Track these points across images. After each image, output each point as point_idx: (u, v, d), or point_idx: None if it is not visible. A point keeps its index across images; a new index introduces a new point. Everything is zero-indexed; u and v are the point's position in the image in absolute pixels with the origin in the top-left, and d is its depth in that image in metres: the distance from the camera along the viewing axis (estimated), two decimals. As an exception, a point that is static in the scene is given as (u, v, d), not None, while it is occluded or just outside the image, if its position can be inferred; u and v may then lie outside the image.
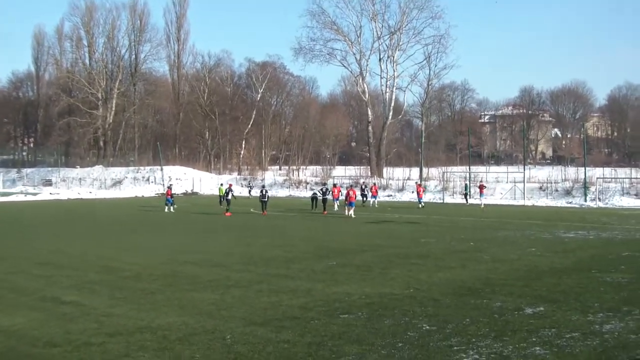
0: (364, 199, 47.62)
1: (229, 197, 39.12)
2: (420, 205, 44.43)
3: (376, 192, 48.93)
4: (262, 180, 74.63)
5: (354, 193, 38.40)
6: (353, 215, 36.38)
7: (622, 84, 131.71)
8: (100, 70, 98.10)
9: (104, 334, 9.54)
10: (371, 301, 11.80)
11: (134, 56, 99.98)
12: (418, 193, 46.35)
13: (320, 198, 40.86)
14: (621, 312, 10.78)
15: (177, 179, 78.81)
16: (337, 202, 42.12)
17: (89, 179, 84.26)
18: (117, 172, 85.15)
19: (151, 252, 19.65)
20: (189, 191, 74.33)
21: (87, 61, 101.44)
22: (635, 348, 8.61)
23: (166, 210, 41.49)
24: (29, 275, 15.30)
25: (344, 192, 40.55)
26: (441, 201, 54.14)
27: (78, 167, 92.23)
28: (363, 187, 49.47)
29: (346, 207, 37.43)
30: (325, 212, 39.14)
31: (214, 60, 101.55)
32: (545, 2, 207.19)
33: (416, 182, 53.48)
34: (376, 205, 46.12)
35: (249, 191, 61.96)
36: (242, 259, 17.88)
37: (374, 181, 58.23)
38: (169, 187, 44.80)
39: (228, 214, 37.60)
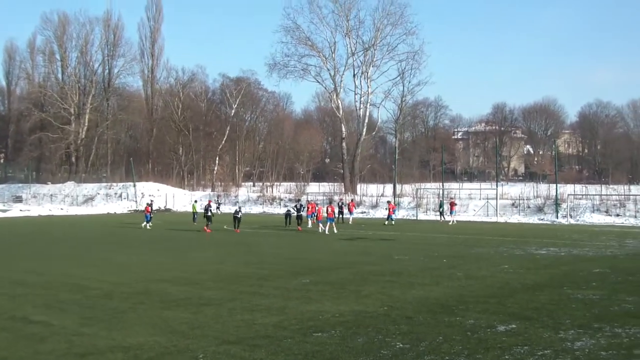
0: (341, 215, 47.62)
1: (209, 213, 38.90)
2: (386, 222, 44.63)
3: (353, 208, 49.17)
4: (236, 197, 74.42)
5: (332, 209, 38.65)
6: (335, 231, 36.66)
7: (592, 102, 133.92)
8: (72, 85, 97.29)
9: (74, 354, 9.40)
10: (345, 319, 11.78)
11: (107, 71, 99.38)
12: (388, 210, 46.70)
13: (295, 215, 40.87)
14: (592, 328, 10.87)
15: (150, 195, 78.17)
16: (311, 218, 41.92)
17: (61, 195, 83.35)
18: (89, 188, 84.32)
19: (123, 270, 19.45)
20: (163, 207, 73.82)
21: (59, 75, 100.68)
22: (607, 365, 8.68)
23: (142, 225, 41.26)
24: (-2, 294, 15.05)
25: (321, 208, 40.48)
26: (414, 218, 54.34)
27: (49, 183, 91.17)
28: (340, 204, 49.54)
29: (325, 224, 37.26)
30: (300, 229, 39.08)
31: (187, 75, 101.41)
32: (517, 20, 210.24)
33: (388, 201, 53.58)
34: (350, 222, 46.11)
35: (217, 208, 61.68)
36: (215, 277, 17.77)
37: (350, 198, 58.24)
38: (148, 204, 44.39)
39: (208, 230, 37.42)
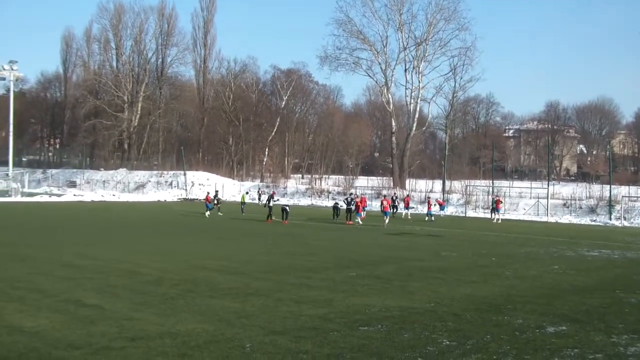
0: (394, 210, 47.66)
1: (270, 204, 39.16)
2: (426, 218, 44.43)
3: (408, 203, 49.01)
4: (285, 188, 74.71)
5: (388, 203, 39.85)
6: (386, 225, 37.06)
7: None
8: (126, 73, 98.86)
9: (124, 338, 9.58)
10: (391, 314, 11.75)
11: (160, 60, 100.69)
12: (428, 205, 46.54)
13: (344, 208, 40.85)
14: (645, 334, 10.64)
15: (200, 184, 79.09)
16: (363, 213, 41.59)
17: (113, 182, 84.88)
18: (140, 175, 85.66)
19: (172, 257, 19.72)
20: (212, 196, 74.41)
21: (114, 64, 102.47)
22: (659, 372, 8.49)
23: (207, 214, 42.21)
24: (52, 277, 15.39)
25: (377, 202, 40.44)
26: (463, 215, 53.85)
27: (102, 169, 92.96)
28: (394, 197, 49.39)
29: (385, 217, 38.40)
30: (350, 222, 39.08)
31: (239, 66, 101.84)
32: (572, 18, 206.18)
33: (428, 197, 53.28)
34: (409, 217, 46.21)
35: (258, 197, 62.61)
36: (262, 267, 17.90)
37: (406, 192, 57.90)
38: (208, 193, 45.82)
39: (269, 220, 37.88)
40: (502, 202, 48.74)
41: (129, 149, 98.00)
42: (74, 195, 68.74)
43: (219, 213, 43.99)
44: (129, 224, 35.24)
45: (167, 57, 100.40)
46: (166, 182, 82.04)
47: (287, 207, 38.73)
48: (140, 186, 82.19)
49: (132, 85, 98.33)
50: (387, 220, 38.08)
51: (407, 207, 48.42)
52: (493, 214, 47.18)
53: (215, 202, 44.84)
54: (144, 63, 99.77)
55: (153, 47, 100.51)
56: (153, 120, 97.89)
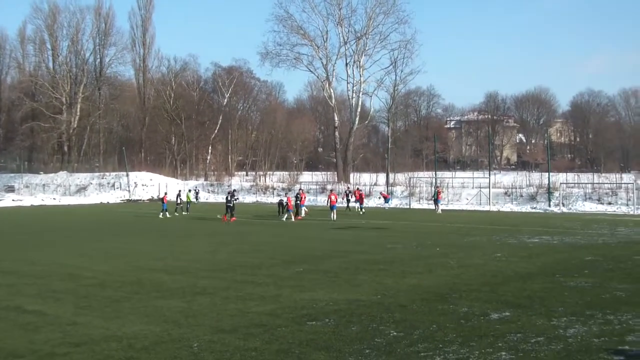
0: (348, 204, 47.96)
1: (231, 204, 38.80)
2: (359, 211, 44.83)
3: (359, 197, 49.06)
4: (229, 186, 74.32)
5: (335, 197, 40.36)
6: (334, 219, 37.71)
7: (584, 90, 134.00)
8: (64, 74, 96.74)
9: (68, 344, 9.40)
10: (339, 307, 11.81)
11: (98, 60, 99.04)
12: (361, 198, 47.26)
13: (293, 203, 41.16)
14: (584, 316, 10.94)
15: (143, 184, 78.12)
16: (304, 207, 42.21)
17: (53, 185, 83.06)
18: (81, 178, 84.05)
19: (116, 259, 19.43)
20: (155, 197, 73.73)
21: (50, 65, 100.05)
22: (598, 352, 8.73)
23: (160, 215, 41.86)
24: (-9, 284, 15.02)
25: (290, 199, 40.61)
26: (408, 206, 54.41)
27: (42, 173, 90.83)
28: (347, 192, 49.70)
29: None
30: (300, 217, 39.45)
31: (180, 64, 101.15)
32: (509, 8, 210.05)
33: (357, 187, 53.77)
34: (361, 212, 45.92)
35: (196, 196, 62.24)
36: (209, 266, 17.79)
37: (357, 186, 58.19)
38: (166, 194, 45.61)
39: (226, 219, 37.68)
40: (442, 192, 49.41)
41: (69, 151, 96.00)
42: (13, 200, 67.12)
43: (184, 212, 43.70)
44: (71, 227, 34.60)
45: (105, 57, 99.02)
46: (108, 183, 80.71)
47: (232, 204, 38.62)
48: (82, 189, 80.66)
49: (70, 86, 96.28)
50: (334, 215, 38.48)
51: (358, 200, 48.44)
52: (436, 205, 47.77)
53: (178, 201, 44.70)
54: (82, 63, 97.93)
55: (90, 47, 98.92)
56: (93, 122, 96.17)
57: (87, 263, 18.65)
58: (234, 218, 37.84)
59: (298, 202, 40.82)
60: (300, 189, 48.60)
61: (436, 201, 47.97)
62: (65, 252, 21.73)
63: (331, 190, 46.42)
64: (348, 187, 53.65)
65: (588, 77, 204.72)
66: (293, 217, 38.42)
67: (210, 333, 9.97)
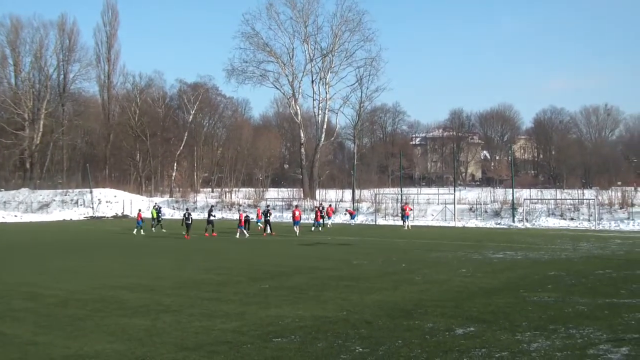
0: (323, 220, 48.24)
1: (189, 221, 38.46)
2: (313, 229, 45.10)
3: (331, 213, 50.31)
4: (195, 202, 73.85)
5: (299, 212, 41.52)
6: (297, 234, 38.89)
7: (547, 108, 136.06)
8: (26, 90, 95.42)
9: (28, 363, 9.24)
10: (304, 324, 11.78)
11: (62, 76, 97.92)
12: (328, 214, 48.77)
13: (255, 220, 41.36)
14: (548, 330, 11.05)
15: (107, 201, 77.22)
16: (260, 223, 42.50)
17: (14, 202, 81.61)
18: (44, 194, 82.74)
19: (79, 277, 19.17)
20: (120, 214, 72.97)
21: (12, 80, 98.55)
22: (562, 366, 8.82)
23: (134, 232, 41.35)
24: (-51, 303, 14.69)
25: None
26: (374, 223, 54.55)
27: (2, 189, 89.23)
28: (321, 209, 49.81)
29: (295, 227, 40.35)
30: (274, 233, 39.90)
31: (145, 80, 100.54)
32: (473, 28, 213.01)
33: (315, 208, 54.15)
34: (329, 226, 47.43)
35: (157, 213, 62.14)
36: (173, 283, 17.62)
37: (329, 203, 58.38)
38: (140, 210, 44.54)
39: (214, 234, 37.82)
40: (411, 208, 49.64)
41: (32, 168, 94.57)
42: (-27, 217, 65.82)
43: (162, 230, 42.98)
44: (33, 245, 34.05)
45: (69, 73, 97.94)
46: (72, 200, 79.56)
47: (190, 220, 38.40)
48: (44, 206, 79.40)
49: (33, 102, 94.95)
50: (297, 230, 39.40)
51: (329, 217, 49.28)
52: (403, 221, 47.89)
53: (157, 219, 44.64)
54: (45, 79, 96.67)
55: (54, 63, 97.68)
56: (56, 138, 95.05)
57: (48, 281, 18.36)
58: (214, 234, 37.91)
59: (268, 218, 40.90)
60: (267, 206, 48.35)
61: (403, 217, 48.19)
62: (26, 270, 21.36)
63: (296, 206, 46.60)
64: (321, 204, 53.55)
65: (550, 94, 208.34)
66: (241, 233, 38.43)
67: (175, 351, 9.87)
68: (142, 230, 41.76)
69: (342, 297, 14.98)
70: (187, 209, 41.77)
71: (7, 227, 53.60)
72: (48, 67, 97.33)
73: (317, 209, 48.12)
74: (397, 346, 10.04)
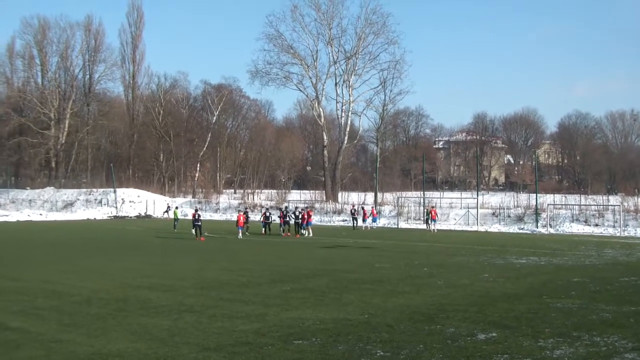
0: (355, 222, 48.74)
1: (199, 223, 38.32)
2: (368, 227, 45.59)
3: (371, 214, 51.69)
4: (217, 204, 74.10)
5: (311, 213, 42.55)
6: (311, 235, 39.79)
7: (572, 112, 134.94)
8: (53, 90, 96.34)
9: (52, 361, 9.31)
10: (325, 327, 11.76)
11: (88, 76, 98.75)
12: (364, 215, 49.75)
13: (292, 222, 41.52)
14: (571, 337, 10.94)
15: (130, 201, 77.78)
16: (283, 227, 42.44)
17: (40, 201, 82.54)
18: (68, 194, 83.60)
19: (102, 276, 19.30)
20: (143, 214, 73.46)
21: (39, 80, 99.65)
22: (585, 374, 8.73)
23: (193, 232, 38.98)
24: (-26, 300, 14.86)
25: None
26: (396, 226, 54.42)
27: (28, 188, 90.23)
28: (353, 211, 49.85)
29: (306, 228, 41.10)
30: (298, 235, 40.50)
31: (169, 81, 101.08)
32: (498, 31, 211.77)
33: (362, 207, 54.15)
34: (371, 228, 49.19)
35: (166, 211, 63.43)
36: (195, 284, 17.69)
37: (372, 205, 58.65)
38: (195, 211, 43.42)
39: (202, 239, 37.26)
40: (437, 212, 49.56)
41: (57, 167, 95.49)
42: (-1, 215, 66.58)
43: (206, 234, 42.07)
44: (57, 243, 34.35)
45: (94, 74, 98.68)
46: (95, 200, 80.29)
47: (199, 222, 38.38)
48: (69, 205, 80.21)
49: (59, 102, 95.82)
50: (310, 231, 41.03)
51: (374, 218, 51.10)
52: (430, 225, 47.88)
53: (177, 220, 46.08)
54: (71, 79, 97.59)
55: (80, 63, 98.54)
56: (81, 138, 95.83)
57: (72, 280, 18.51)
58: (202, 238, 37.40)
59: (289, 219, 41.76)
60: (300, 208, 47.40)
61: (428, 221, 48.57)
62: (50, 269, 21.55)
63: (239, 212, 45.50)
64: (353, 206, 53.54)
65: (575, 99, 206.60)
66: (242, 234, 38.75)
67: (196, 351, 9.90)
68: (247, 233, 40.66)
69: (363, 300, 14.94)
70: (196, 210, 41.02)
71: (33, 225, 54.17)
72: (74, 67, 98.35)
73: (364, 209, 49.02)
74: (418, 350, 10.00)
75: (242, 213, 41.32)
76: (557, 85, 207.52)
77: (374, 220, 51.93)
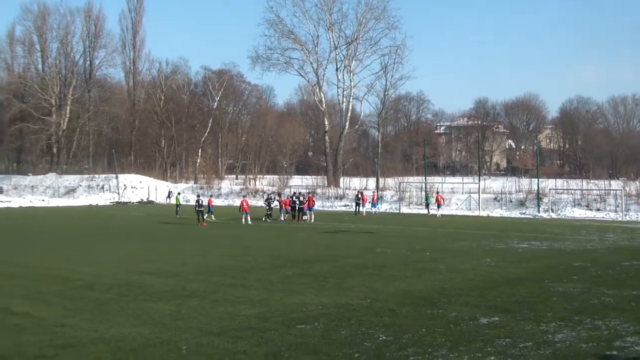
0: (358, 207, 49.30)
1: (201, 208, 38.27)
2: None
3: (375, 199, 52.22)
4: (219, 189, 74.12)
5: (312, 198, 42.31)
6: (313, 220, 39.87)
7: (573, 97, 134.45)
8: (53, 76, 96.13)
9: (56, 346, 9.36)
10: (328, 311, 11.81)
11: (88, 62, 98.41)
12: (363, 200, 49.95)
13: (297, 207, 41.35)
14: (573, 321, 10.98)
15: (132, 187, 77.85)
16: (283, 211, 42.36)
17: (42, 187, 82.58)
18: (70, 179, 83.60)
19: (105, 262, 19.36)
20: (145, 199, 73.54)
21: (40, 66, 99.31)
22: (586, 357, 8.77)
23: (206, 218, 39.64)
24: (-22, 285, 14.92)
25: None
26: (397, 211, 54.46)
27: (30, 174, 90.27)
28: (359, 195, 49.89)
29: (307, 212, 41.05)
30: (301, 221, 40.47)
31: (170, 67, 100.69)
32: (499, 15, 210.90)
33: (373, 192, 54.25)
34: (374, 213, 49.77)
35: (168, 197, 63.86)
36: (198, 269, 17.74)
37: (374, 190, 58.71)
38: (210, 196, 45.36)
39: (204, 224, 37.29)
40: (443, 198, 49.79)
41: (58, 153, 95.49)
42: (1, 201, 66.58)
43: (213, 218, 41.91)
44: (59, 229, 34.42)
45: (95, 59, 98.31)
46: (98, 185, 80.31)
47: (202, 208, 38.37)
48: (71, 190, 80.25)
49: (60, 88, 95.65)
50: (312, 216, 41.00)
51: (374, 203, 51.78)
52: (433, 209, 48.20)
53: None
54: (72, 65, 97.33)
55: (80, 49, 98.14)
56: (83, 124, 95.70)
57: (75, 265, 18.58)
58: (204, 223, 37.51)
59: (296, 205, 41.55)
60: (303, 193, 47.20)
61: (430, 205, 49.81)
62: (54, 254, 21.63)
63: (308, 193, 46.91)
64: (359, 191, 53.54)
65: (577, 84, 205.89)
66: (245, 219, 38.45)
67: (199, 336, 9.95)
68: (212, 216, 41.12)
69: (365, 285, 14.99)
70: (198, 195, 40.91)
71: (36, 211, 54.27)
72: (74, 54, 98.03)
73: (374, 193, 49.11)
74: (420, 334, 10.04)
75: (245, 198, 41.42)
76: (558, 70, 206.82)
77: (374, 206, 51.97)
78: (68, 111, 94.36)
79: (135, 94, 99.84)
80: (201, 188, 73.45)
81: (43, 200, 70.80)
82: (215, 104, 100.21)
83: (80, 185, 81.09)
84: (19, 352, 9.06)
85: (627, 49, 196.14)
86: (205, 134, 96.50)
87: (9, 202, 66.03)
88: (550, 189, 53.88)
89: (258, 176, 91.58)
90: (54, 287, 14.60)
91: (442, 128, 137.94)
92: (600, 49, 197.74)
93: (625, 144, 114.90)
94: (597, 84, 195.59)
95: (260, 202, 57.28)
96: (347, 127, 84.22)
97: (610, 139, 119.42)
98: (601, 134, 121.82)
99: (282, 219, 41.45)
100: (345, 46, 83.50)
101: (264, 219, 40.81)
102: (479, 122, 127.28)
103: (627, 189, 51.90)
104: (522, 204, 53.74)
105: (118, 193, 75.47)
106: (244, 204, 39.22)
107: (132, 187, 77.78)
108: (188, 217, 41.03)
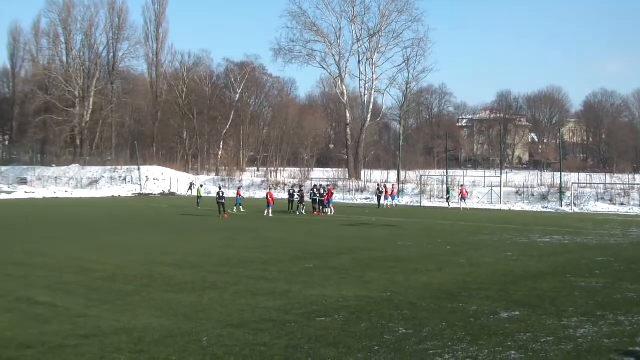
0: (379, 200, 49.51)
1: (223, 200, 38.30)
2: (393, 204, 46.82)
3: (394, 192, 52.33)
4: (240, 181, 74.32)
5: (331, 191, 42.63)
6: (333, 213, 40.05)
7: (598, 91, 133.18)
8: (77, 68, 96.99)
9: (78, 336, 9.46)
10: (348, 304, 11.82)
11: (112, 54, 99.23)
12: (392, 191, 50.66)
13: (318, 199, 41.17)
14: (595, 316, 10.90)
15: (154, 179, 78.34)
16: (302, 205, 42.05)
17: (65, 178, 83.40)
18: (93, 171, 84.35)
19: (127, 253, 19.52)
20: (167, 191, 73.97)
21: (64, 58, 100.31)
22: (608, 352, 8.70)
23: (235, 210, 40.55)
24: (1, 276, 15.07)
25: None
26: (419, 204, 54.32)
27: (54, 165, 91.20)
28: (381, 188, 49.92)
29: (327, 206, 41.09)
30: (322, 214, 40.33)
31: (192, 59, 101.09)
32: (522, 8, 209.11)
33: (393, 185, 54.15)
34: (395, 206, 50.21)
35: (190, 188, 64.54)
36: (219, 261, 17.83)
37: (392, 183, 58.71)
38: (239, 188, 45.34)
39: (226, 216, 37.42)
40: (467, 191, 49.56)
41: (82, 145, 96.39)
42: (25, 192, 67.32)
43: (242, 210, 41.70)
44: (82, 220, 34.71)
45: (118, 52, 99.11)
46: (120, 177, 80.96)
47: (223, 199, 38.29)
48: (94, 182, 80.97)
49: (83, 80, 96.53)
50: (331, 209, 41.05)
51: (393, 196, 51.44)
52: (460, 203, 48.01)
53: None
54: (95, 57, 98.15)
55: (104, 41, 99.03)
56: (105, 115, 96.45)
57: (98, 256, 18.74)
58: (226, 215, 37.61)
59: (322, 198, 41.27)
60: (322, 185, 47.13)
61: (449, 199, 49.25)
62: (77, 245, 21.82)
63: (328, 186, 47.17)
64: (379, 184, 53.52)
65: (601, 77, 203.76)
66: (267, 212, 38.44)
67: (220, 327, 10.01)
68: (241, 208, 41.53)
69: (386, 278, 14.98)
70: (219, 187, 41.32)
71: (59, 202, 54.79)
72: (98, 46, 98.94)
73: (394, 186, 49.43)
74: (440, 328, 10.03)
75: (270, 191, 41.44)
76: (582, 63, 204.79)
77: (393, 199, 51.82)
78: (91, 103, 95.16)
79: (157, 86, 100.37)
80: (222, 180, 73.82)
81: (66, 191, 71.48)
82: (237, 96, 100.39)
83: (103, 177, 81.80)
84: (42, 341, 9.16)
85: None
86: (227, 126, 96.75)
87: (33, 192, 66.70)
88: (573, 183, 53.48)
89: (279, 169, 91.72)
90: (76, 278, 14.75)
91: (464, 121, 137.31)
92: (626, 41, 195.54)
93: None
94: (622, 77, 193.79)
95: (282, 195, 57.31)
96: (368, 119, 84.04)
97: (635, 132, 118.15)
98: (626, 127, 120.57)
99: (303, 212, 40.93)
100: (367, 38, 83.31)
101: (297, 212, 40.82)
102: (502, 115, 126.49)
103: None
104: (544, 197, 53.36)
105: (140, 184, 75.99)
106: (269, 196, 39.26)
107: (154, 179, 78.30)
108: (209, 209, 41.21)
